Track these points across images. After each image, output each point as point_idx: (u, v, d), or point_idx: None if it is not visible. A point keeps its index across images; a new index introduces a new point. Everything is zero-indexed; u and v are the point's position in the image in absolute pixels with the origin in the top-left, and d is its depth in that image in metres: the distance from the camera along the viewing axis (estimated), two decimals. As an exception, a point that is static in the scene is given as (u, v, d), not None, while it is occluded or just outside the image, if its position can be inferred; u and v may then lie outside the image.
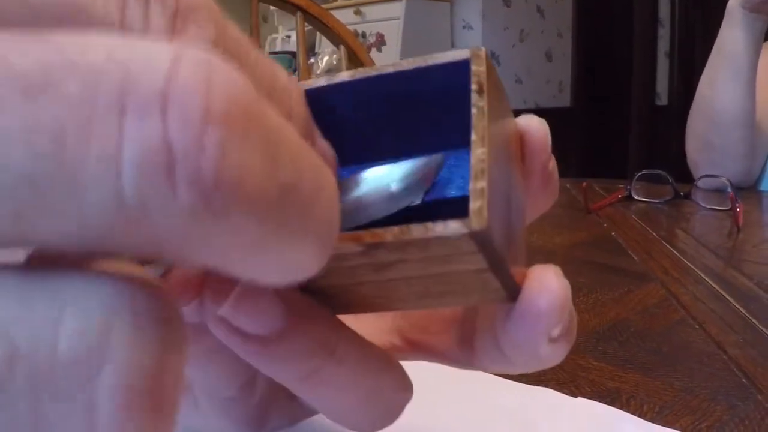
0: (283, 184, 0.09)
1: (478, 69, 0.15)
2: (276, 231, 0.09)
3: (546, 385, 0.31)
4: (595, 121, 3.42)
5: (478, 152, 0.14)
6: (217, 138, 0.08)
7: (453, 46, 2.96)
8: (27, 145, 0.08)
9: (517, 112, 0.18)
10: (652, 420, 0.29)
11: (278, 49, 2.90)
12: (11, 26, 0.09)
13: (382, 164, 0.18)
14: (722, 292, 0.49)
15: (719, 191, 0.85)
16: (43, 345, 0.09)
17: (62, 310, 0.09)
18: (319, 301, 0.16)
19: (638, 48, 3.35)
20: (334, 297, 0.16)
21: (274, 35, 3.05)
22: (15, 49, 0.08)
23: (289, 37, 2.87)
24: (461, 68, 0.15)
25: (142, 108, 0.08)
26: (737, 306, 0.45)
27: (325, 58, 2.16)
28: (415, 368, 0.19)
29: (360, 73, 0.16)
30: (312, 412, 0.23)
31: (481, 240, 0.13)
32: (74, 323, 0.09)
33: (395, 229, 0.13)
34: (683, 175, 1.00)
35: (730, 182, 0.82)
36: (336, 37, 1.23)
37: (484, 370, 0.19)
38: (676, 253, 0.61)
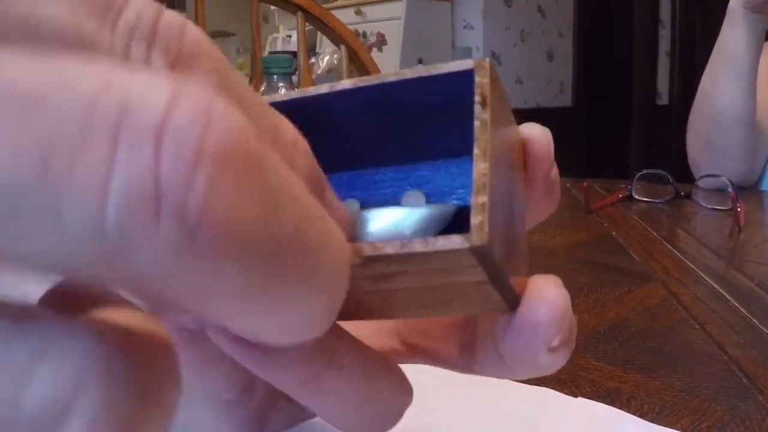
0: (280, 234, 0.09)
1: (481, 81, 0.15)
2: (267, 284, 0.09)
3: (546, 386, 0.31)
4: (595, 120, 3.41)
5: (480, 167, 0.14)
6: (207, 176, 0.08)
7: (454, 46, 2.96)
8: (12, 160, 0.08)
9: (518, 112, 0.18)
10: (652, 420, 0.29)
11: (279, 48, 2.90)
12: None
13: (386, 173, 0.18)
14: (723, 293, 0.48)
15: (720, 191, 0.85)
16: (9, 395, 0.08)
17: (35, 362, 0.09)
18: None
19: (639, 47, 3.35)
20: None
21: (275, 35, 3.05)
22: (14, 64, 0.08)
23: (289, 36, 2.87)
24: (465, 78, 0.15)
25: (135, 140, 0.08)
26: (738, 306, 0.45)
27: (326, 58, 2.16)
28: (414, 370, 0.19)
29: (362, 81, 0.16)
30: (311, 415, 0.23)
31: (481, 254, 0.13)
32: (44, 376, 0.09)
33: (396, 243, 0.13)
34: (684, 174, 1.00)
35: (731, 182, 0.82)
36: (337, 36, 1.23)
37: (484, 376, 0.19)
38: (677, 253, 0.61)
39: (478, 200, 0.13)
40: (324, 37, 1.48)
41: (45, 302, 0.11)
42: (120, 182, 0.08)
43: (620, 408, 0.30)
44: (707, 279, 0.52)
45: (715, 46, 1.04)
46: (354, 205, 0.18)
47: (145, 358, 0.09)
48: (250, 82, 1.13)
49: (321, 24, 1.22)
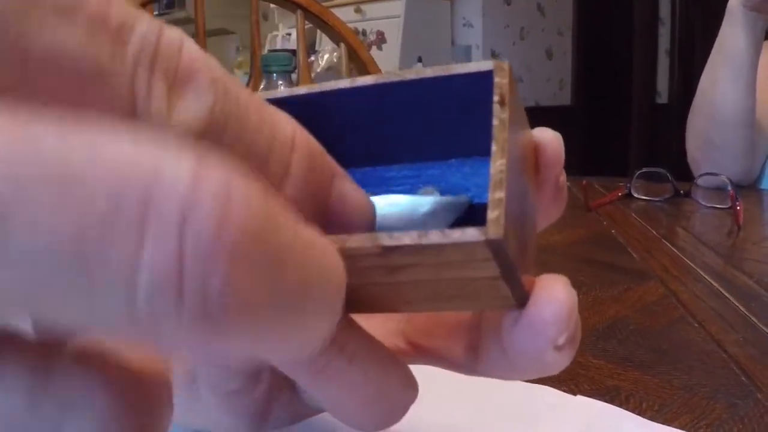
0: (288, 294, 0.10)
1: (501, 81, 0.15)
2: (272, 331, 0.10)
3: (545, 383, 0.31)
4: (595, 119, 3.42)
5: (497, 163, 0.14)
6: (227, 262, 0.09)
7: (453, 44, 2.96)
8: (50, 239, 0.08)
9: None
10: (651, 418, 0.29)
11: (278, 47, 2.89)
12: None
13: (399, 171, 0.18)
14: (722, 291, 0.49)
15: (719, 189, 0.85)
16: None
17: (63, 418, 0.10)
18: None
19: (638, 46, 3.35)
20: None
21: (275, 33, 3.05)
22: (47, 132, 0.09)
23: (289, 35, 2.87)
24: (483, 79, 0.15)
25: (160, 230, 0.09)
26: (737, 304, 0.45)
27: (326, 56, 2.15)
28: (413, 369, 0.19)
29: (382, 77, 0.17)
30: (314, 411, 0.23)
31: (496, 248, 0.13)
32: (72, 424, 0.10)
33: (413, 234, 0.14)
34: (683, 173, 1.00)
35: (731, 180, 0.82)
36: (336, 35, 1.23)
37: (487, 377, 0.19)
38: (676, 251, 0.61)
39: (495, 195, 0.14)
40: (323, 35, 1.48)
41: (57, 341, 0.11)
42: (148, 268, 0.09)
43: (619, 406, 0.30)
44: (706, 277, 0.52)
45: (715, 44, 1.04)
46: None
47: (149, 405, 0.11)
48: (250, 80, 1.13)
49: (320, 22, 1.22)
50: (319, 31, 1.59)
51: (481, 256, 0.14)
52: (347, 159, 0.16)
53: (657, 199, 0.87)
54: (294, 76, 1.01)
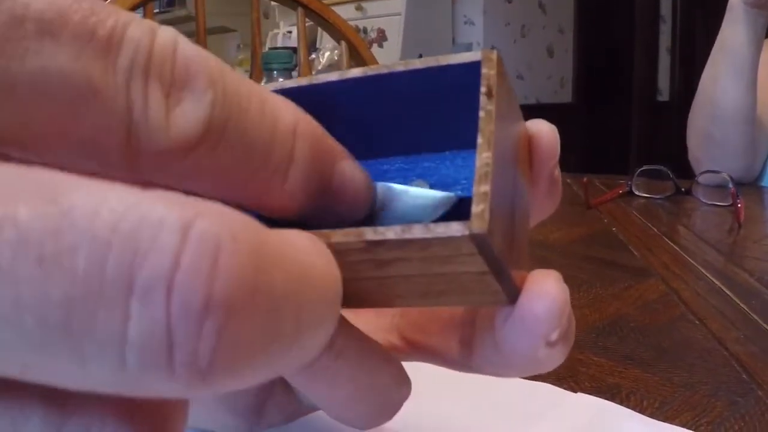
0: (284, 337, 0.10)
1: (488, 72, 0.15)
2: (269, 365, 0.10)
3: (545, 381, 0.31)
4: (596, 117, 3.41)
5: (483, 156, 0.14)
6: (215, 326, 0.09)
7: (454, 42, 2.96)
8: (38, 313, 0.08)
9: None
10: (652, 416, 0.29)
11: (279, 44, 2.89)
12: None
13: (393, 163, 0.18)
14: (723, 288, 0.49)
15: (720, 187, 0.85)
16: None
17: None
18: None
19: (639, 44, 3.34)
20: None
21: (275, 31, 3.05)
22: (24, 204, 0.09)
23: (290, 32, 2.87)
24: (473, 70, 0.15)
25: (147, 292, 0.09)
26: (738, 302, 0.45)
27: (326, 54, 2.15)
28: (410, 367, 0.19)
29: (372, 69, 0.16)
30: (308, 409, 0.23)
31: (481, 243, 0.13)
32: None
33: (397, 228, 0.13)
34: (684, 170, 1.00)
35: (732, 178, 0.82)
36: (337, 32, 1.22)
37: (482, 373, 0.19)
38: (677, 248, 0.61)
39: (480, 189, 0.13)
40: (324, 33, 1.48)
41: None
42: (136, 333, 0.09)
43: (620, 403, 0.30)
44: (707, 274, 0.52)
45: (716, 42, 1.04)
46: None
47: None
48: (250, 77, 1.12)
49: (321, 20, 1.21)
50: (320, 29, 1.59)
51: (467, 251, 0.13)
52: None
53: (658, 196, 0.87)
54: (295, 73, 1.01)
